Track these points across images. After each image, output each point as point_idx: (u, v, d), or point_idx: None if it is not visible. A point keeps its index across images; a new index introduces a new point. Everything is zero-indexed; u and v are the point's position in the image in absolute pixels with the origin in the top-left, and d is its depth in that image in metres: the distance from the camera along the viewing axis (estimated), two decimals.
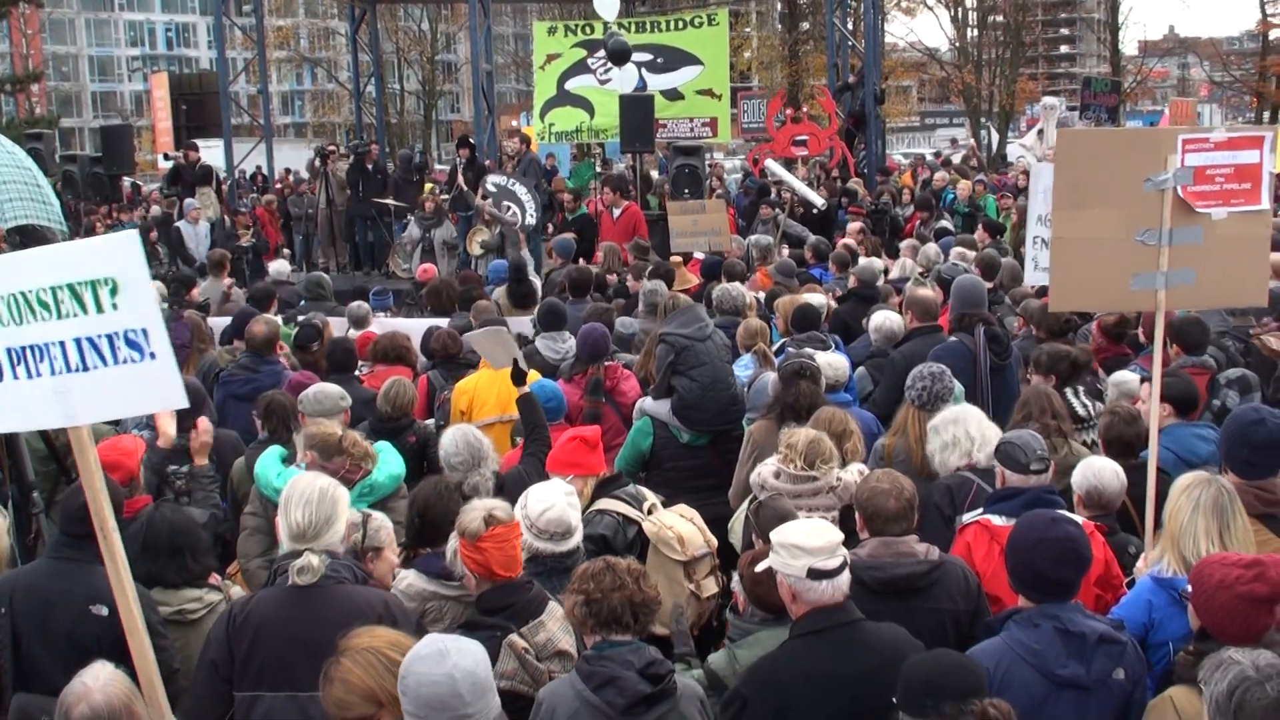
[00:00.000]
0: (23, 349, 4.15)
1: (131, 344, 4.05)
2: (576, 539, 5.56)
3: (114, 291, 4.03)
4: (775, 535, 4.67)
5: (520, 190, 18.48)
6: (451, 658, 3.87)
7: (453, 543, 5.16)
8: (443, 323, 10.88)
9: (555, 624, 5.01)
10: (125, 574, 4.26)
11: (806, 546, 4.52)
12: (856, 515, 5.38)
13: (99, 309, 4.04)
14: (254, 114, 38.42)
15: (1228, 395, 7.43)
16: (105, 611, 5.19)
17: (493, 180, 18.89)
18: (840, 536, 4.65)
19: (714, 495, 7.53)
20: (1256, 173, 5.75)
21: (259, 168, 31.27)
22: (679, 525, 6.34)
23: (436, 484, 5.95)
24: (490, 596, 5.00)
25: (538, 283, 14.61)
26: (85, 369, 4.10)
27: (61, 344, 4.11)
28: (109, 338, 4.06)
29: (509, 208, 17.98)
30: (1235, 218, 5.73)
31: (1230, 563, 4.33)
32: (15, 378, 4.16)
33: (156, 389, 4.13)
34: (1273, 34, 50.18)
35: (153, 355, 4.06)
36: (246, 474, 7.30)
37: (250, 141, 31.24)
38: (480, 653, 4.00)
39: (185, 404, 4.33)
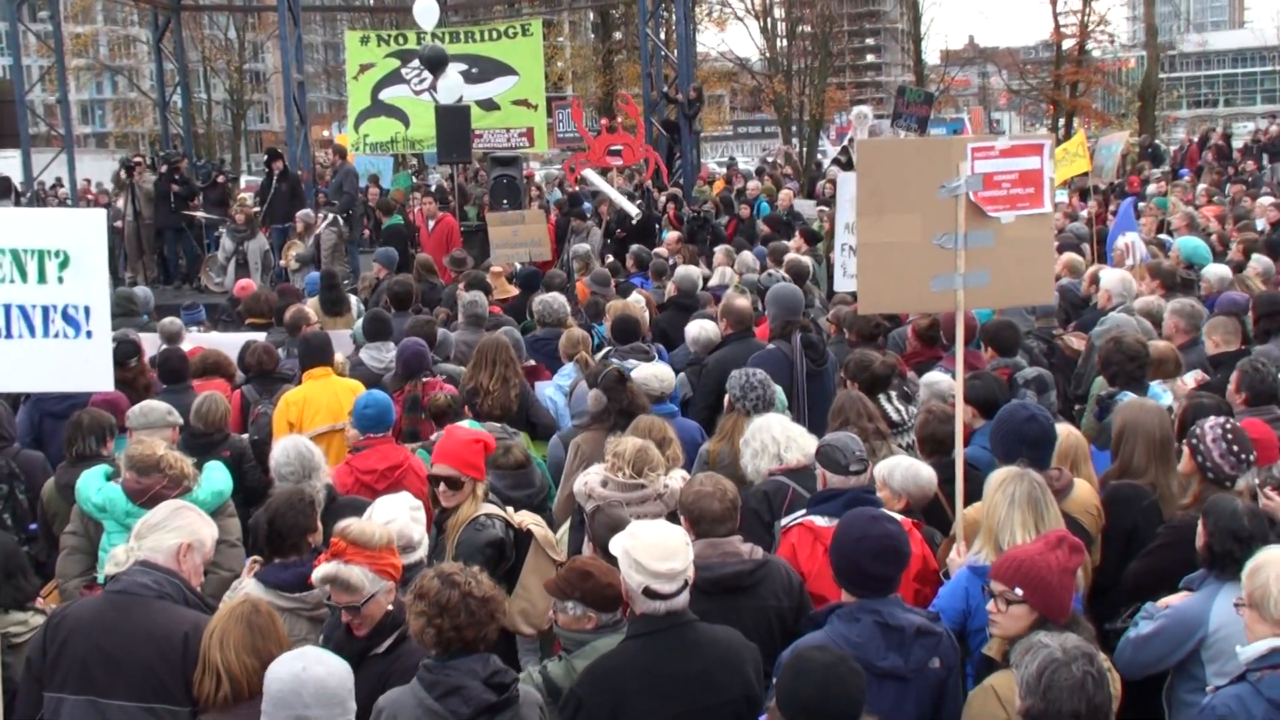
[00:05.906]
0: None
1: (69, 319, 4.00)
2: (420, 553, 5.63)
3: (64, 265, 3.97)
4: (628, 536, 4.71)
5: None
6: (306, 664, 4.01)
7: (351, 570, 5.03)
8: (260, 337, 10.68)
9: None
10: None
11: (648, 568, 4.55)
12: (682, 519, 5.43)
13: (41, 279, 3.97)
14: (53, 123, 37.05)
15: (1025, 395, 7.76)
16: None
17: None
18: (687, 561, 4.66)
19: None
20: (1038, 178, 6.00)
21: (59, 179, 30.18)
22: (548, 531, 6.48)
23: (291, 495, 5.87)
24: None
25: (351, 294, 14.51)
26: (9, 336, 4.02)
27: None
28: (45, 309, 4.00)
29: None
30: (1022, 220, 5.97)
31: (1041, 550, 4.59)
32: None
33: (86, 368, 4.09)
34: (1065, 44, 52.30)
35: (89, 334, 4.04)
36: (56, 494, 7.07)
37: (50, 152, 30.20)
38: (342, 670, 4.09)
39: (111, 387, 4.36)
